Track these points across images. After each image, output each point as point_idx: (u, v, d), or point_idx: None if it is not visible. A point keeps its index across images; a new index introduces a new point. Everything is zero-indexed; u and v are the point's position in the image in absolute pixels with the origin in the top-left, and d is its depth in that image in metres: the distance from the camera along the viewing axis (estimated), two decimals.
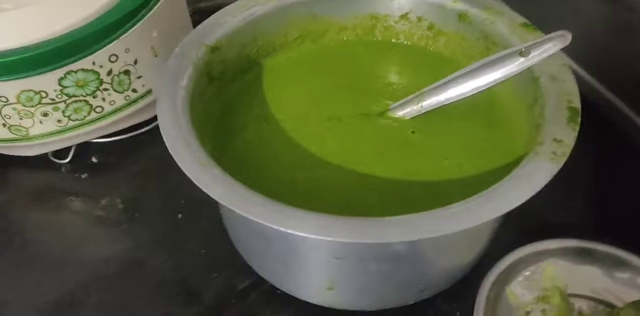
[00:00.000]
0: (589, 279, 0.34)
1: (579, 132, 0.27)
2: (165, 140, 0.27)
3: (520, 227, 0.38)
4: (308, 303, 0.33)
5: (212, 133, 0.34)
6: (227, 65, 0.36)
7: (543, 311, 0.34)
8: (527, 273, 0.34)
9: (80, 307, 0.35)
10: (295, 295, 0.34)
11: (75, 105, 0.40)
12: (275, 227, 0.24)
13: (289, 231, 0.24)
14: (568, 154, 0.26)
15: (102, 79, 0.40)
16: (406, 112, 0.35)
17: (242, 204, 0.25)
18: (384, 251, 0.28)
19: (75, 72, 0.38)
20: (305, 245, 0.29)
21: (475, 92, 0.32)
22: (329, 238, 0.24)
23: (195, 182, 0.25)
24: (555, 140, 0.27)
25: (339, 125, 0.35)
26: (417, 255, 0.29)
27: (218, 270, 0.37)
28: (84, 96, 0.40)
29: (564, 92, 0.29)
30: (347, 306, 0.33)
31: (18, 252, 0.38)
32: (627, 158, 0.43)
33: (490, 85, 0.32)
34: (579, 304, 0.34)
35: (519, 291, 0.34)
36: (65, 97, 0.39)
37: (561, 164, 0.26)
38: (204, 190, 0.25)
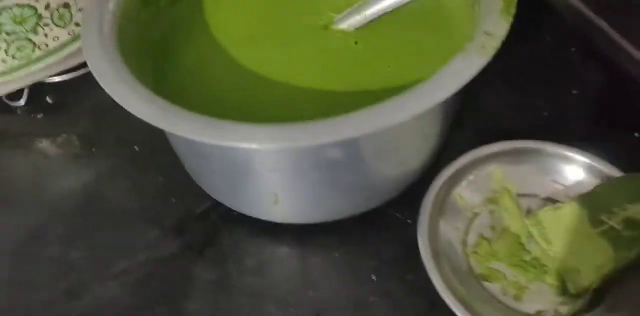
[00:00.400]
0: (537, 179, 0.35)
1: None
2: (87, 59, 0.27)
3: (476, 133, 0.38)
4: (262, 220, 0.34)
5: (153, 60, 0.34)
6: None
7: (492, 212, 0.34)
8: (472, 177, 0.34)
9: (44, 243, 0.36)
10: (249, 214, 0.34)
11: (17, 44, 0.39)
12: (197, 139, 0.24)
13: (211, 142, 0.24)
14: (497, 47, 0.26)
15: (40, 14, 0.39)
16: (350, 23, 0.34)
17: (164, 119, 0.25)
18: (318, 158, 0.28)
19: (11, 8, 0.37)
20: (239, 159, 0.29)
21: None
22: (254, 146, 0.24)
23: (115, 98, 0.25)
24: (486, 33, 0.26)
25: (282, 42, 0.35)
26: (352, 159, 0.29)
27: (177, 196, 0.38)
28: (24, 33, 0.39)
29: None
30: (298, 220, 0.34)
31: None
32: (588, 62, 0.43)
33: None
34: (528, 203, 0.34)
35: (467, 194, 0.34)
36: (5, 36, 0.39)
37: (490, 57, 0.25)
38: (126, 108, 0.25)
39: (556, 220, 0.32)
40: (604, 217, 0.30)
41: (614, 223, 0.30)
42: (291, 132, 0.25)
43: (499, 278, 0.32)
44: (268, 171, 0.29)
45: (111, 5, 0.31)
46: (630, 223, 0.30)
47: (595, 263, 0.30)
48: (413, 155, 0.32)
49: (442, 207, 0.33)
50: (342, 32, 0.34)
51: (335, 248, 0.34)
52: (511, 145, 0.34)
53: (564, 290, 0.31)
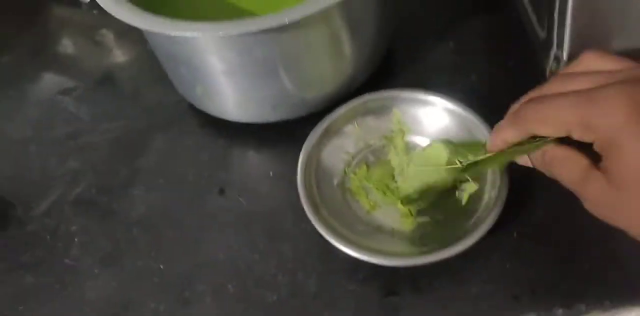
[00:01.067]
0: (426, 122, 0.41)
1: None
2: None
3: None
4: (226, 121, 0.44)
5: None
6: None
7: (383, 146, 0.41)
8: (375, 113, 0.41)
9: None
10: (197, 107, 0.44)
11: None
12: (147, 28, 0.34)
13: (154, 30, 0.34)
14: None
15: None
16: None
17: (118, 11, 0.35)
18: (238, 52, 0.36)
19: None
20: (183, 53, 0.38)
21: None
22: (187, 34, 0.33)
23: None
24: None
25: None
26: (268, 61, 0.36)
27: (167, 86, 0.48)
28: None
29: None
30: (224, 116, 0.43)
31: None
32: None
33: None
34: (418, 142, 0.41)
35: (366, 126, 0.41)
36: None
37: None
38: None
39: (423, 157, 0.38)
40: (458, 159, 0.35)
41: (462, 164, 0.35)
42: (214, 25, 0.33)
43: (362, 194, 0.39)
44: (197, 63, 0.38)
45: None
46: (471, 166, 0.35)
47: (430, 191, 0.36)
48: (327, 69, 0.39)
49: (339, 131, 0.40)
50: None
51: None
52: (412, 94, 0.40)
53: (407, 214, 0.38)
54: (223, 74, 0.37)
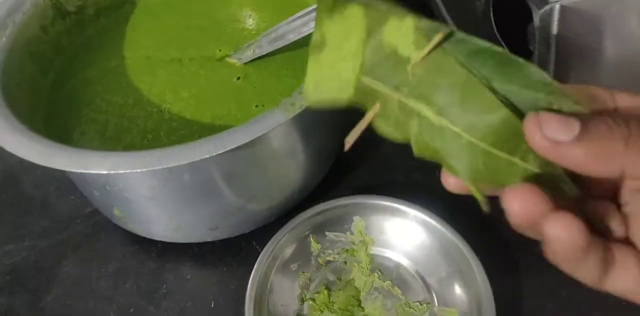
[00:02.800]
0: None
1: None
2: None
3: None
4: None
5: (62, 65, 0.37)
6: (87, 1, 0.38)
7: (345, 262, 0.35)
8: (334, 225, 0.35)
9: None
10: (131, 231, 0.36)
11: None
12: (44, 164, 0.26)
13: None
14: (301, 105, 0.27)
15: None
16: (243, 57, 0.35)
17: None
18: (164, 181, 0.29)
19: None
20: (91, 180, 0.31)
21: (300, 36, 0.33)
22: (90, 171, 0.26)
23: None
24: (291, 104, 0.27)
25: (175, 68, 0.36)
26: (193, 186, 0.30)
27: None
28: None
29: None
30: (150, 236, 0.36)
31: None
32: None
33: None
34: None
35: (325, 240, 0.35)
36: None
37: (293, 114, 0.26)
38: None
39: None
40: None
41: None
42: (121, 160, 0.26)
43: None
44: (112, 190, 0.30)
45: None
46: None
47: None
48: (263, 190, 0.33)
49: (291, 248, 0.34)
50: (232, 65, 0.35)
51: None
52: (374, 200, 0.34)
53: None
54: (146, 199, 0.30)
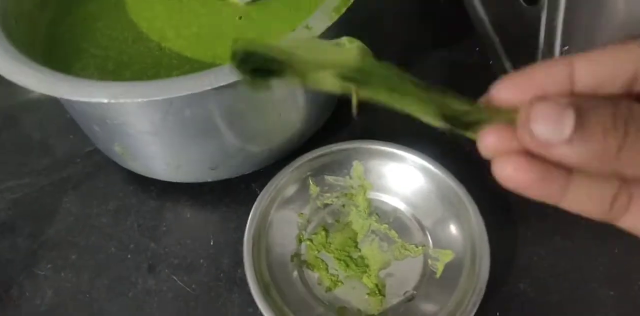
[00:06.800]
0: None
1: None
2: None
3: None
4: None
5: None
6: None
7: (343, 205, 0.35)
8: (333, 169, 0.35)
9: None
10: (132, 170, 0.36)
11: None
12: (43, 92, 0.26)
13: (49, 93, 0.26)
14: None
15: None
16: None
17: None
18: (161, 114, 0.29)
19: None
20: (94, 111, 0.30)
21: None
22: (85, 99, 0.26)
23: None
24: (306, 27, 0.27)
25: (176, 6, 0.36)
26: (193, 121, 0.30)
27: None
28: None
29: None
30: (150, 175, 0.36)
31: None
32: None
33: None
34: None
35: (324, 184, 0.35)
36: None
37: None
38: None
39: None
40: None
41: None
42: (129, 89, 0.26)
43: (321, 268, 0.33)
44: (113, 124, 0.30)
45: None
46: None
47: None
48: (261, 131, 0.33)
49: (291, 190, 0.34)
50: (234, 4, 0.35)
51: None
52: (374, 145, 0.34)
53: (375, 292, 0.32)
54: (147, 134, 0.30)
